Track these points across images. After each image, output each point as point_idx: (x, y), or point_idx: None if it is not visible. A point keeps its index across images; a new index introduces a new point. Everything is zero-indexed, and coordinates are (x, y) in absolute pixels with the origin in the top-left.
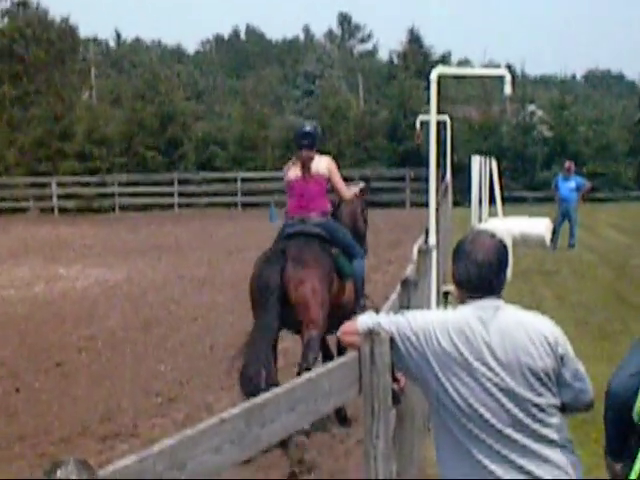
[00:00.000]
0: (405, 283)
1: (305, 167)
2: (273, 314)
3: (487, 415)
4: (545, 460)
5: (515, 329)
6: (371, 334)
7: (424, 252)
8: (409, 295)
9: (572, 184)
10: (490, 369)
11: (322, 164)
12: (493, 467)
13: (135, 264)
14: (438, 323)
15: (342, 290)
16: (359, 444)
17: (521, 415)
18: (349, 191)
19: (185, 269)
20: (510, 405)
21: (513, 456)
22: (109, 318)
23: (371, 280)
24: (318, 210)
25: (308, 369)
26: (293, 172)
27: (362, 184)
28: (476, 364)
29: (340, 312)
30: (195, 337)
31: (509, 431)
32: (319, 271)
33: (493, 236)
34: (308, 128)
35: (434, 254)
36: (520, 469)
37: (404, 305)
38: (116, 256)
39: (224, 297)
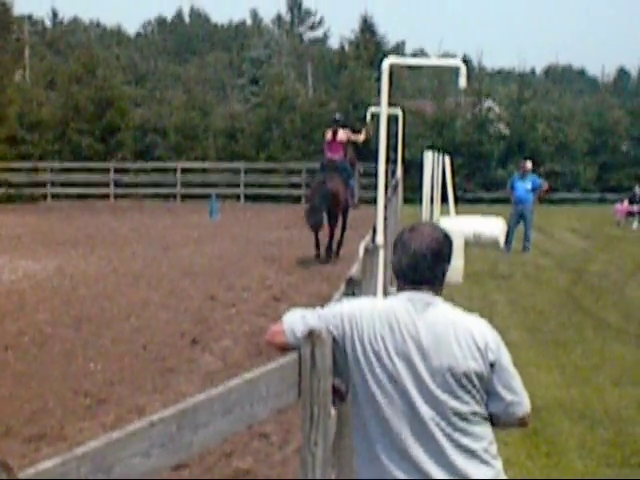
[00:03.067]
0: (350, 282)
1: (334, 134)
2: (323, 201)
3: (397, 417)
4: (457, 472)
5: (443, 327)
6: (311, 335)
7: (371, 251)
8: (353, 295)
9: (528, 184)
10: (410, 366)
11: (341, 134)
12: (399, 474)
13: (67, 256)
14: (365, 309)
15: (346, 192)
16: (297, 452)
17: (437, 419)
18: (357, 137)
19: (119, 263)
20: (425, 408)
21: (422, 464)
22: (37, 313)
23: (315, 278)
24: (338, 155)
25: (340, 230)
26: (329, 135)
27: (365, 130)
28: (396, 359)
29: (345, 202)
30: (128, 335)
31: (421, 436)
32: (341, 183)
33: (435, 227)
34: (337, 116)
35: (381, 253)
36: (426, 477)
37: None
38: (47, 247)
39: (159, 294)
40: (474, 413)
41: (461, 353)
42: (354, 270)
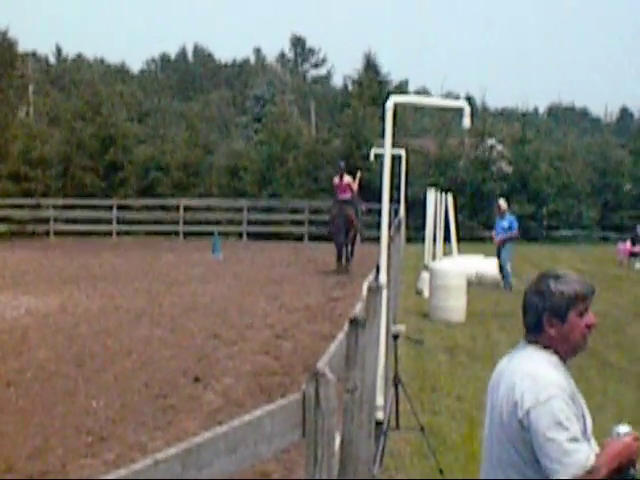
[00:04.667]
0: (353, 322)
1: (340, 178)
2: (343, 224)
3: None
4: None
5: (509, 374)
6: (316, 375)
7: (374, 290)
8: (357, 335)
9: (505, 223)
10: (490, 410)
11: (346, 178)
12: None
13: (69, 293)
14: None
15: (357, 218)
16: None
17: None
18: (354, 184)
19: (122, 300)
20: (491, 451)
21: None
22: (40, 350)
23: (317, 317)
24: (346, 195)
25: (353, 246)
26: (336, 179)
27: (358, 175)
28: (488, 403)
29: (356, 225)
30: (130, 372)
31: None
32: (354, 213)
33: (554, 277)
34: (342, 164)
35: (384, 293)
36: None
37: (352, 346)
38: (49, 284)
39: (162, 331)
40: (514, 464)
41: (506, 405)
42: (357, 310)
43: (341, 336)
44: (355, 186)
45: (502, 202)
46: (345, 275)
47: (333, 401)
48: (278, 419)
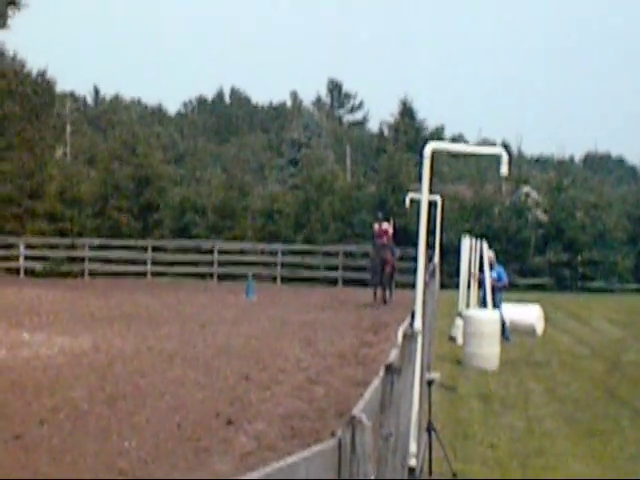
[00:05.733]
0: (389, 369)
1: (380, 226)
2: (379, 265)
3: None
4: None
5: None
6: (352, 421)
7: (409, 337)
8: (392, 382)
9: (494, 274)
10: None
11: (385, 225)
12: None
13: (103, 333)
14: None
15: (393, 258)
16: None
17: None
18: (391, 231)
19: (155, 341)
20: None
21: None
22: (73, 389)
23: (350, 362)
24: (383, 239)
25: (390, 289)
26: (376, 227)
27: (392, 223)
28: None
29: (392, 264)
30: (162, 414)
31: None
32: (389, 254)
33: None
34: (380, 215)
35: (419, 339)
36: None
37: (387, 392)
38: (83, 324)
39: (195, 372)
40: None
41: None
42: (393, 356)
43: (376, 382)
44: (391, 231)
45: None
46: (382, 307)
47: (369, 447)
48: (314, 464)
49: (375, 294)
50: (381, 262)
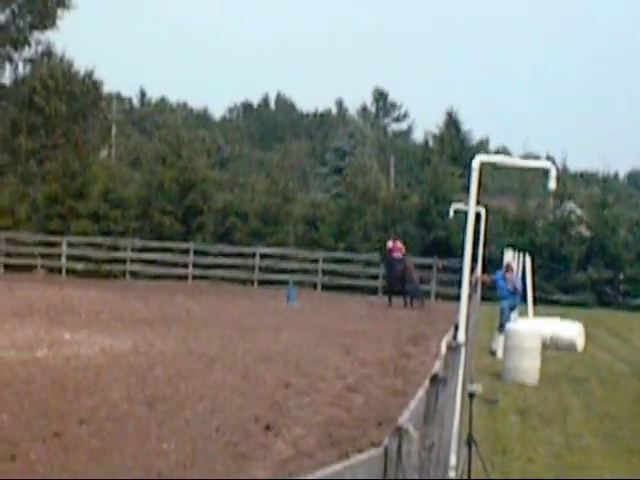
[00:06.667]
0: (434, 379)
1: (394, 242)
2: (401, 276)
3: None
4: None
5: None
6: (399, 431)
7: (453, 348)
8: (437, 393)
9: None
10: None
11: (398, 243)
12: None
13: (143, 335)
14: None
15: (407, 268)
16: None
17: None
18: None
19: (195, 344)
20: None
21: None
22: (113, 390)
23: (389, 372)
24: (399, 253)
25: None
26: (390, 244)
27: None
28: None
29: (410, 271)
30: (201, 417)
31: None
32: (404, 266)
33: None
34: (393, 234)
35: (462, 351)
36: None
37: (432, 403)
38: (124, 325)
39: (234, 377)
40: None
41: None
42: (437, 367)
43: (421, 392)
44: (403, 249)
45: (510, 258)
46: (418, 313)
47: (415, 457)
48: (359, 473)
49: (390, 300)
50: (398, 273)
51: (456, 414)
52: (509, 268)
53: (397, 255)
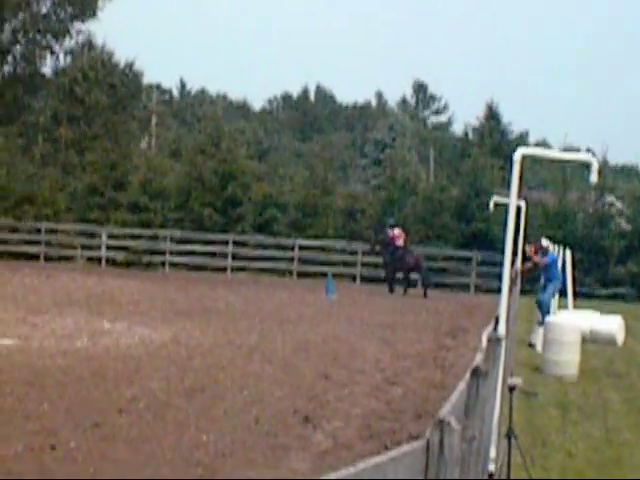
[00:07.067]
0: (475, 372)
1: (393, 229)
2: (410, 266)
3: None
4: None
5: None
6: (441, 424)
7: (494, 341)
8: (478, 385)
9: (547, 260)
10: None
11: (397, 231)
12: None
13: (183, 326)
14: None
15: (410, 256)
16: None
17: None
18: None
19: (234, 335)
20: None
21: None
22: (152, 380)
23: (428, 365)
24: (400, 241)
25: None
26: (391, 233)
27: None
28: None
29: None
30: (241, 408)
31: None
32: (408, 253)
33: None
34: (392, 221)
35: (503, 344)
36: None
37: (472, 396)
38: (163, 315)
39: (273, 368)
40: None
41: None
42: (478, 360)
43: (462, 385)
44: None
45: (545, 242)
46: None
47: (457, 450)
48: (402, 466)
49: (392, 288)
50: (401, 261)
51: (496, 407)
52: (540, 249)
53: (399, 243)
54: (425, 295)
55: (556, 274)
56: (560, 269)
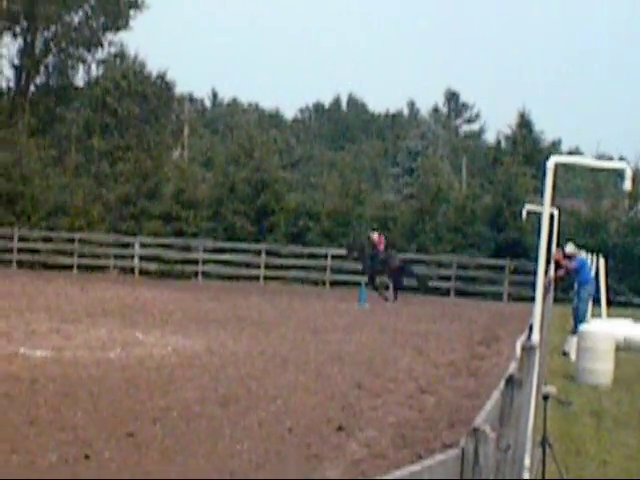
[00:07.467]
0: (510, 381)
1: (379, 235)
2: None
3: None
4: None
5: None
6: (475, 432)
7: (528, 350)
8: (513, 394)
9: (574, 264)
10: None
11: (376, 235)
12: None
13: (216, 335)
14: None
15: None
16: None
17: None
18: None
19: (268, 345)
20: None
21: None
22: (186, 390)
23: (462, 373)
24: (381, 247)
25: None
26: (376, 237)
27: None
28: None
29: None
30: (274, 417)
31: None
32: (391, 258)
33: None
34: (374, 228)
35: (537, 353)
36: None
37: (507, 404)
38: (196, 325)
39: (306, 378)
40: None
41: None
42: (512, 368)
43: (496, 394)
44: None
45: (572, 247)
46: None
47: (491, 459)
48: (436, 474)
49: (377, 290)
50: (383, 265)
51: (531, 416)
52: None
53: (381, 248)
54: (395, 299)
55: (588, 278)
56: (593, 275)
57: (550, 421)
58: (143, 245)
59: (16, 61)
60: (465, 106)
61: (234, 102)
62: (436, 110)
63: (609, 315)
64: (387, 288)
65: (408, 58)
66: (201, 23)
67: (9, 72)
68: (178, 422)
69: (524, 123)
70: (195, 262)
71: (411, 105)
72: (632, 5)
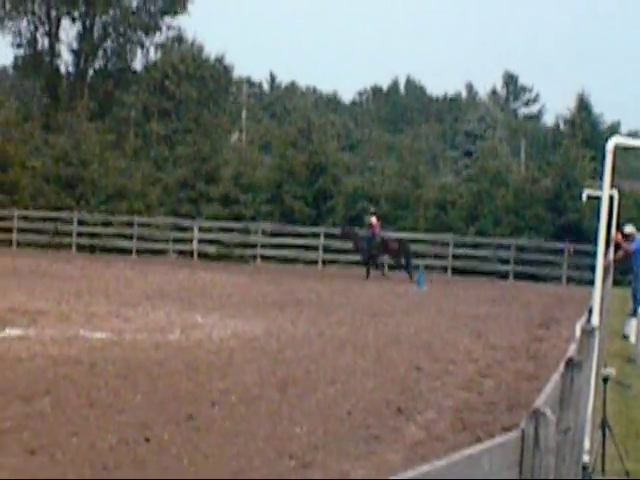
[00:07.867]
0: (569, 364)
1: (377, 219)
2: (377, 249)
3: None
4: None
5: None
6: (535, 414)
7: (588, 332)
8: (572, 376)
9: (634, 245)
10: None
11: (374, 218)
12: None
13: (274, 318)
14: None
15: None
16: None
17: None
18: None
19: (326, 327)
20: None
21: None
22: (245, 373)
23: (521, 356)
24: (378, 231)
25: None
26: (374, 219)
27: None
28: None
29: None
30: (333, 400)
31: None
32: (390, 240)
33: None
34: (372, 209)
35: (597, 335)
36: None
37: (567, 387)
38: (255, 308)
39: (365, 361)
40: None
41: None
42: (572, 351)
43: (556, 376)
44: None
45: (631, 229)
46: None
47: (552, 441)
48: (496, 457)
49: (368, 272)
50: (381, 246)
51: (590, 398)
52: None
53: (377, 230)
54: (383, 275)
55: None
56: None
57: (610, 404)
58: (202, 228)
59: (75, 45)
60: (524, 89)
61: (292, 85)
62: (494, 92)
63: None
64: (383, 267)
65: (466, 40)
66: (259, 6)
67: (68, 57)
68: (237, 405)
69: (583, 106)
70: (254, 245)
71: (469, 88)
72: None
